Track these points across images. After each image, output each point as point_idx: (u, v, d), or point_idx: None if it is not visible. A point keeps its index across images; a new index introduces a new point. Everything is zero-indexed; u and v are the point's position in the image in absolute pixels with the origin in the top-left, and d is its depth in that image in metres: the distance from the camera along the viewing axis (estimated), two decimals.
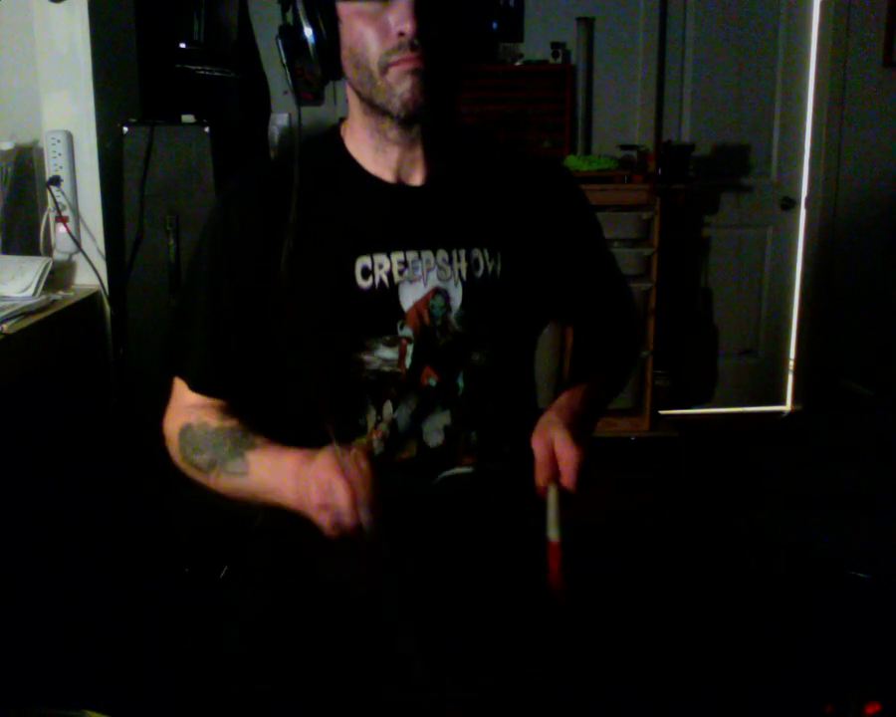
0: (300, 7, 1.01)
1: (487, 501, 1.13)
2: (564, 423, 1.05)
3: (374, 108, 1.03)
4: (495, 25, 1.06)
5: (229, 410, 1.12)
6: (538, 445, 1.04)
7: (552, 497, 1.02)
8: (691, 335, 4.12)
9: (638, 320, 1.43)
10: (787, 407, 4.25)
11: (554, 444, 1.03)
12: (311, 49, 1.01)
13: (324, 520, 0.92)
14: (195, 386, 1.12)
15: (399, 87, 0.98)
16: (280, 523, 1.07)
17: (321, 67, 1.02)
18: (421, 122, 1.03)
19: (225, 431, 1.08)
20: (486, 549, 1.12)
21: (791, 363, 4.23)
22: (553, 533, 1.01)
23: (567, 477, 1.01)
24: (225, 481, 1.06)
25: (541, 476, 1.03)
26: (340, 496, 0.90)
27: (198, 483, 1.11)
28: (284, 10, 1.04)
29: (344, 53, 1.01)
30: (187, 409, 1.12)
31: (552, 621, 1.08)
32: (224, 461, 1.06)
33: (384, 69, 0.98)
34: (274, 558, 1.16)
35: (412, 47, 0.96)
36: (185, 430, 1.11)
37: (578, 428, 1.05)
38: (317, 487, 0.92)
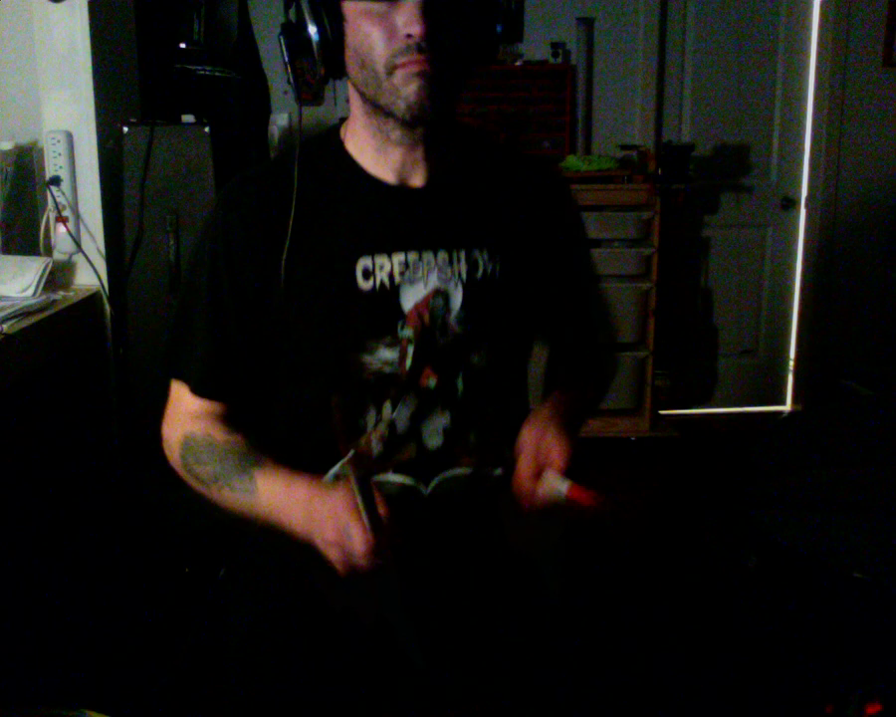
0: (304, 4, 1.00)
1: (485, 503, 1.12)
2: (557, 421, 1.05)
3: (378, 109, 1.02)
4: (500, 28, 1.05)
5: (232, 420, 1.11)
6: (528, 438, 1.03)
7: (552, 475, 1.00)
8: (691, 335, 4.12)
9: (613, 339, 1.42)
10: (787, 407, 4.25)
11: (545, 437, 1.02)
12: (314, 47, 1.01)
13: (334, 557, 0.91)
14: (197, 390, 1.11)
15: (405, 89, 0.98)
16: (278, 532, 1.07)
17: (324, 66, 1.02)
18: (425, 125, 1.03)
19: (231, 445, 1.07)
20: (483, 550, 1.12)
21: (791, 363, 4.23)
22: (563, 486, 0.98)
23: (557, 466, 1.00)
24: (229, 497, 1.06)
25: (527, 468, 1.01)
26: (358, 542, 0.89)
27: (199, 493, 1.10)
28: (287, 7, 1.03)
29: (349, 53, 1.01)
30: (189, 417, 1.11)
31: (549, 622, 1.08)
32: (229, 477, 1.05)
33: (391, 70, 0.97)
34: (272, 562, 1.16)
35: (420, 49, 0.95)
36: (188, 440, 1.10)
37: (569, 428, 1.05)
38: (333, 527, 0.91)
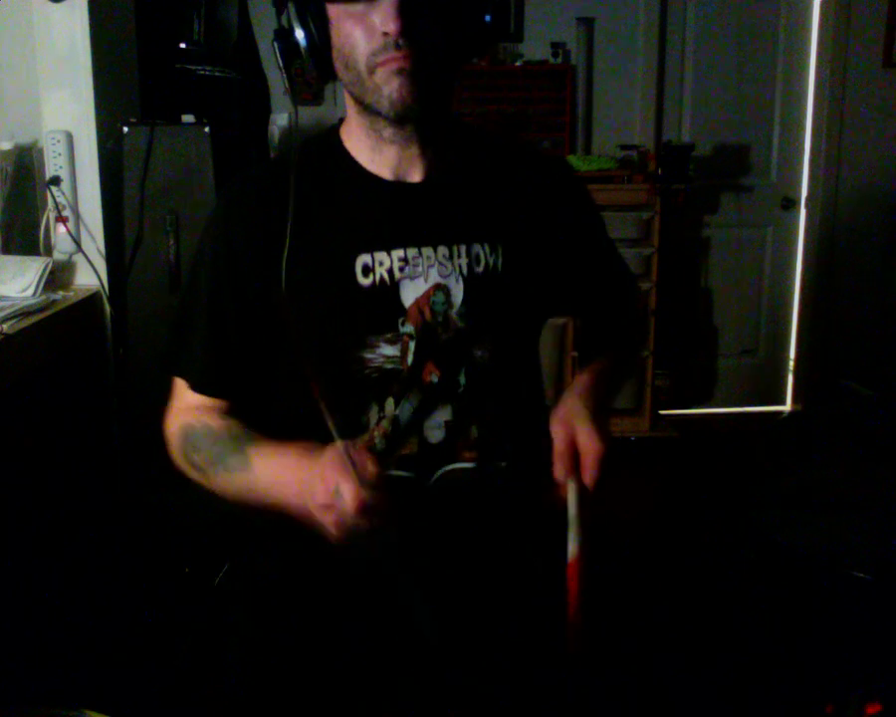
0: (291, 10, 1.01)
1: (486, 496, 1.12)
2: (587, 412, 1.02)
3: (366, 107, 1.03)
4: (488, 18, 1.05)
5: (230, 411, 1.12)
6: (559, 434, 1.01)
7: (571, 496, 0.98)
8: (691, 335, 4.12)
9: (641, 308, 1.43)
10: (787, 407, 4.25)
11: (576, 435, 1.00)
12: (303, 51, 1.02)
13: (327, 520, 0.91)
14: (196, 387, 1.12)
15: (387, 87, 0.98)
16: (279, 525, 1.07)
17: (315, 69, 1.03)
18: (412, 121, 1.03)
19: (226, 429, 1.08)
20: (484, 544, 1.12)
21: (791, 363, 4.23)
22: (571, 548, 0.96)
23: (589, 472, 0.99)
24: (225, 479, 1.06)
25: (559, 468, 1.00)
26: (348, 500, 0.88)
27: (198, 483, 1.10)
28: (279, 13, 1.04)
29: (335, 54, 1.02)
30: (188, 410, 1.12)
31: (549, 621, 1.08)
32: (225, 458, 1.05)
33: (371, 69, 0.98)
34: (272, 561, 1.16)
35: (398, 46, 0.96)
36: (186, 430, 1.10)
37: (600, 417, 1.03)
38: (322, 487, 0.90)
